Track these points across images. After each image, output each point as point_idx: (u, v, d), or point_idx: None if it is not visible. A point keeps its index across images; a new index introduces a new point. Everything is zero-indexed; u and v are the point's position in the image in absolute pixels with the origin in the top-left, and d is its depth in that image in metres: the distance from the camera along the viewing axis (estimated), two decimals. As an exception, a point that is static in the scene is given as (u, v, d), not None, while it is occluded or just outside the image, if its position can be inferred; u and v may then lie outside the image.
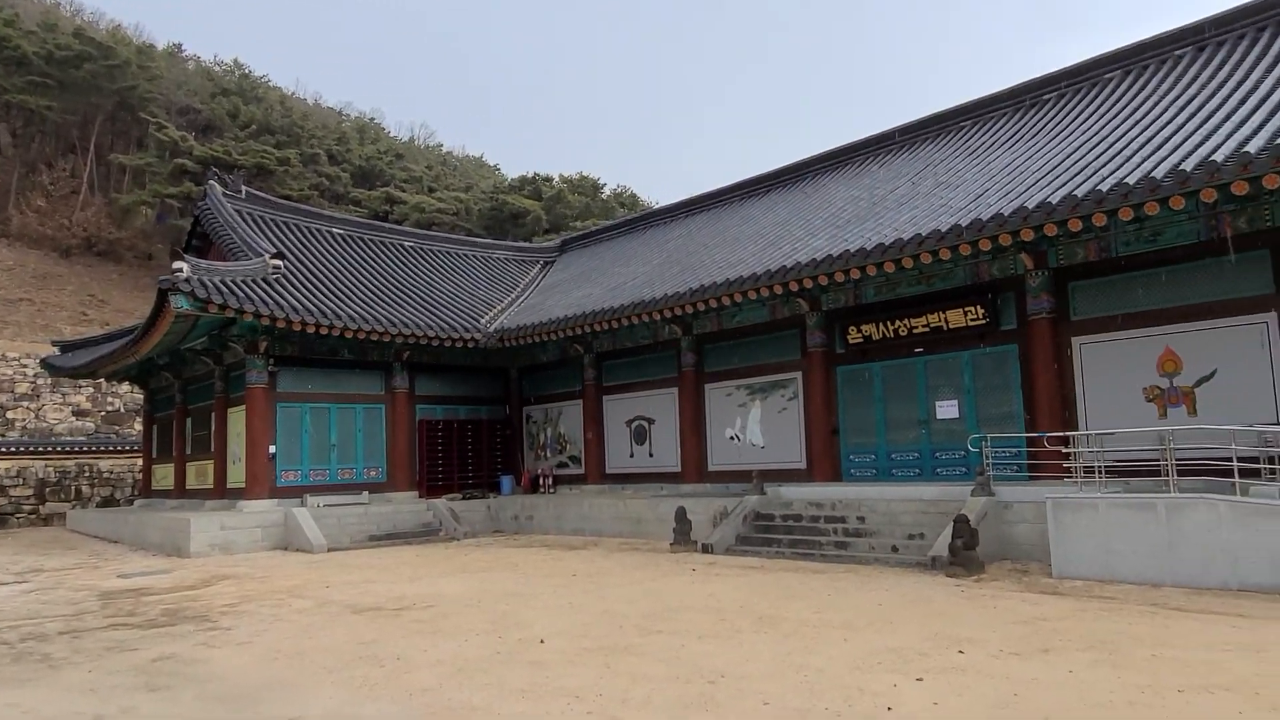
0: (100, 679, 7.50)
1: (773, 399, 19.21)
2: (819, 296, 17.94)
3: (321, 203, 53.42)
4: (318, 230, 27.08)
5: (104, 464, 34.28)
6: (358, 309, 21.44)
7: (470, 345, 22.95)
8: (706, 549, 15.76)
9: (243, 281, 19.87)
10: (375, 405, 23.03)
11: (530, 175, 63.77)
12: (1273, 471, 10.97)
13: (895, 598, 10.27)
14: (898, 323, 16.63)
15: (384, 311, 21.94)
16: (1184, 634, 7.80)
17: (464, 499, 23.18)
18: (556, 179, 63.40)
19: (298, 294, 21.03)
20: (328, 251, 25.85)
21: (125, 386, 35.84)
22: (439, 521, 21.56)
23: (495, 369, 25.73)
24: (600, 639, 8.40)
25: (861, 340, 17.27)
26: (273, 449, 20.94)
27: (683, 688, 6.53)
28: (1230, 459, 10.59)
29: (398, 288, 24.87)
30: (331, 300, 21.57)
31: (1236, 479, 10.43)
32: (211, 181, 25.53)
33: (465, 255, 30.55)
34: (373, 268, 25.99)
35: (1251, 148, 11.01)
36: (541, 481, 24.08)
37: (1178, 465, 11.09)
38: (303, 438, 21.62)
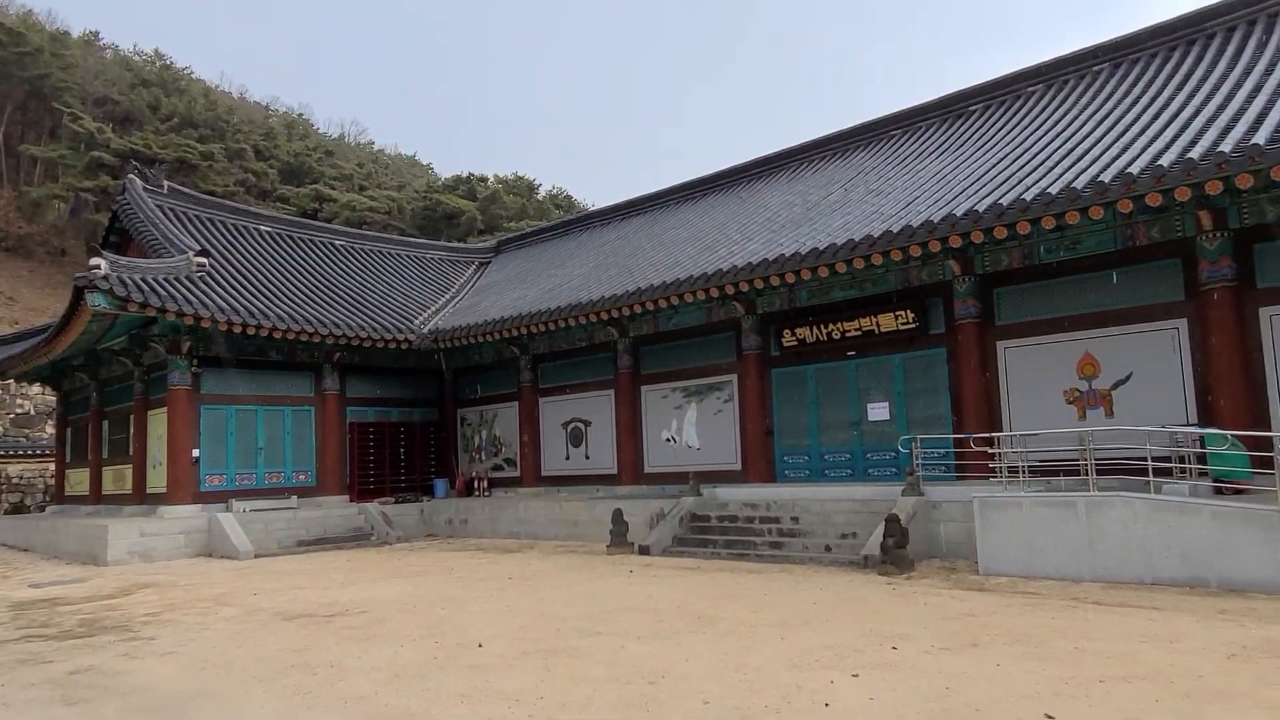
0: (13, 693, 7.17)
1: (709, 401, 19.37)
2: (754, 300, 18.16)
3: (248, 199, 51.98)
4: (244, 228, 26.34)
5: (12, 469, 32.75)
6: (286, 309, 20.92)
7: (403, 346, 22.60)
8: (643, 551, 15.81)
9: (165, 279, 19.21)
10: (304, 407, 22.50)
11: (465, 175, 63.11)
12: (1184, 470, 11.49)
13: (830, 596, 10.46)
14: (831, 326, 16.94)
15: (314, 312, 21.46)
16: (1103, 627, 8.12)
17: (397, 503, 22.81)
18: (492, 179, 62.86)
19: (223, 293, 20.43)
20: (255, 249, 25.16)
21: (36, 388, 34.32)
22: (371, 526, 21.17)
23: (429, 371, 25.38)
24: (539, 642, 8.36)
25: (796, 343, 17.54)
26: (196, 452, 20.28)
27: (623, 689, 6.54)
28: (1145, 459, 11.06)
29: (328, 287, 24.35)
30: (259, 300, 21.01)
31: (1151, 478, 10.90)
32: (132, 175, 24.60)
33: (398, 255, 30.07)
34: (302, 267, 25.40)
35: (1165, 161, 11.53)
36: (476, 484, 23.83)
37: (1096, 465, 11.52)
38: (228, 441, 21.00)
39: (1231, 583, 9.72)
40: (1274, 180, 10.78)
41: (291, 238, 27.29)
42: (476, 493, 23.65)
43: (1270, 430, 11.86)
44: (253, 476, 21.35)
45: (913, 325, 15.86)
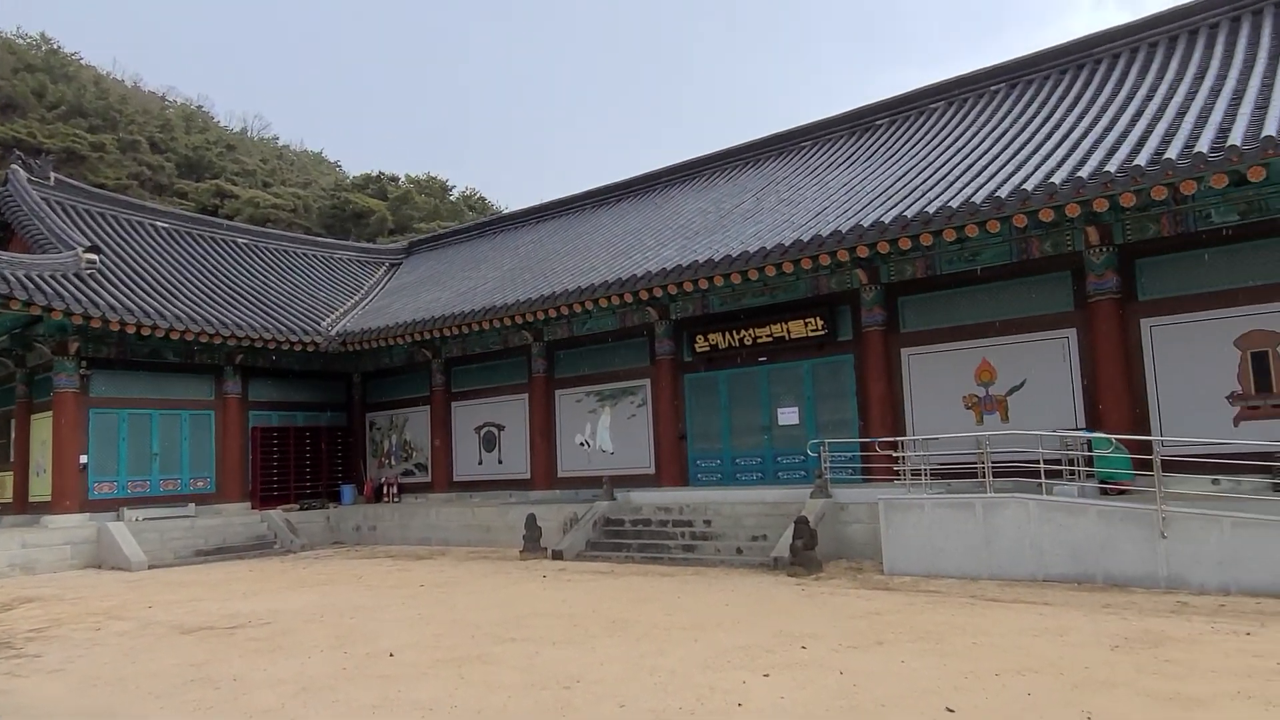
0: (-119, 719, 6.69)
1: (622, 405, 19.46)
2: (668, 305, 18.35)
3: (142, 194, 49.65)
4: (139, 223, 25.19)
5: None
6: (184, 309, 20.10)
7: (310, 349, 21.98)
8: (557, 555, 15.77)
9: (51, 276, 18.23)
10: (204, 411, 21.65)
11: (375, 174, 61.68)
12: (1073, 472, 12.13)
13: (741, 598, 10.64)
14: (743, 332, 17.25)
15: (214, 312, 20.68)
16: (999, 622, 8.50)
17: (301, 510, 22.15)
18: (403, 179, 61.63)
19: (116, 291, 19.50)
20: (150, 246, 24.09)
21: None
22: (274, 534, 20.50)
23: (336, 374, 24.75)
24: (452, 649, 8.26)
25: (708, 349, 17.79)
26: (84, 459, 19.28)
27: (538, 694, 6.53)
28: (1038, 461, 11.63)
29: (230, 287, 23.50)
30: (155, 298, 20.13)
31: (1043, 479, 11.47)
32: (15, 165, 23.24)
33: (304, 255, 29.22)
34: (202, 265, 24.44)
35: (1056, 179, 12.17)
36: (386, 490, 23.35)
37: (993, 467, 12.05)
38: (120, 446, 20.04)
39: (1115, 578, 10.30)
40: (1154, 199, 11.50)
41: (190, 234, 26.24)
42: (386, 499, 23.16)
43: (1150, 434, 12.63)
44: (147, 484, 20.42)
45: (822, 332, 16.28)
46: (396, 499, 23.09)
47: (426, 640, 8.78)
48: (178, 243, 25.28)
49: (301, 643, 8.95)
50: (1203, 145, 11.15)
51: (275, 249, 28.46)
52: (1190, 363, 12.81)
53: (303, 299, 24.93)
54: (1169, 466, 11.24)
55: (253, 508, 21.83)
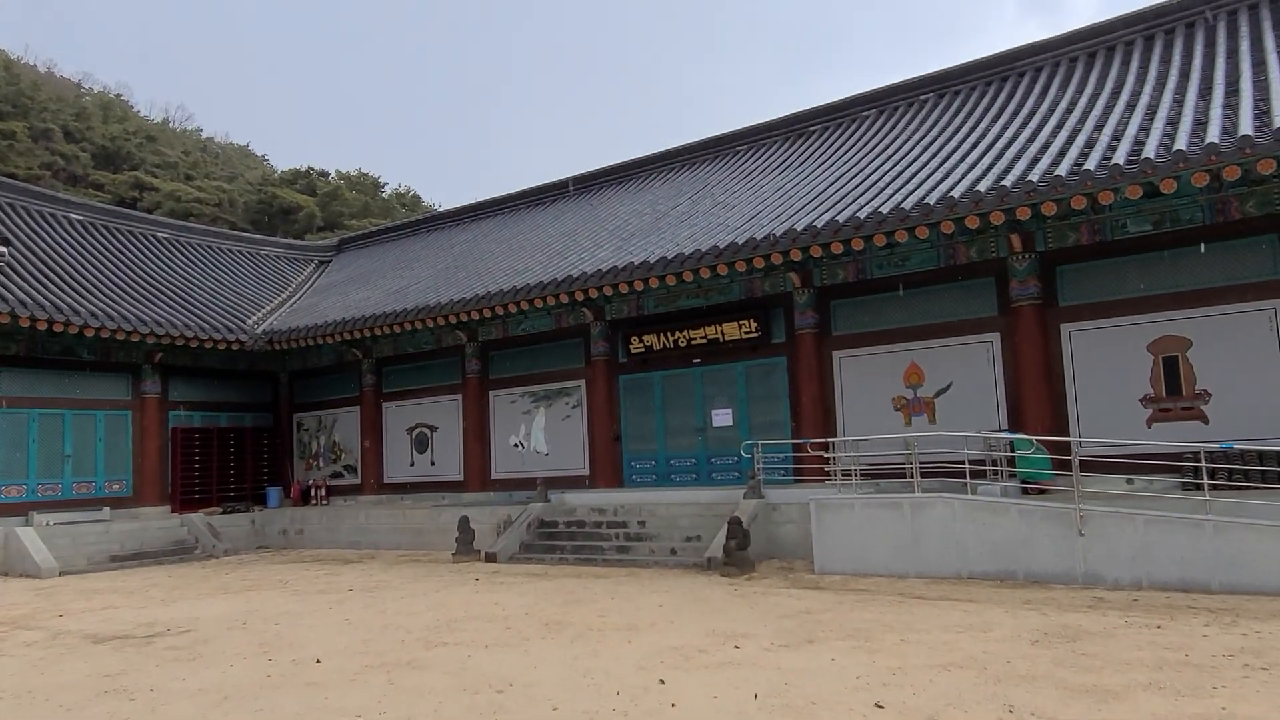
0: None
1: (557, 406, 19.37)
2: (603, 306, 18.34)
3: (55, 184, 47.60)
4: (51, 215, 24.12)
5: None
6: (100, 305, 19.33)
7: (234, 348, 21.31)
8: (490, 558, 15.61)
9: (-44, 269, 17.33)
10: (120, 412, 20.83)
11: (304, 169, 60.24)
12: (996, 473, 12.50)
13: (675, 598, 10.68)
14: (677, 334, 17.33)
15: (132, 308, 19.92)
16: (926, 619, 8.70)
17: (224, 513, 21.47)
18: (333, 174, 60.32)
19: (25, 285, 18.64)
20: (64, 239, 23.09)
21: None
22: (195, 538, 19.84)
23: (262, 373, 24.08)
24: (382, 655, 8.10)
25: (643, 350, 17.82)
26: (-10, 461, 18.38)
27: (470, 699, 6.44)
28: (963, 462, 11.95)
29: (149, 283, 22.67)
30: (68, 294, 19.30)
31: (968, 479, 11.79)
32: (-85, 152, 22.04)
33: (229, 250, 28.36)
34: (119, 260, 23.53)
35: (982, 187, 12.53)
36: (314, 493, 22.80)
37: (921, 468, 12.33)
38: (29, 448, 19.14)
39: (1036, 575, 10.64)
40: (1074, 209, 11.92)
41: (107, 228, 25.23)
42: (314, 501, 22.63)
43: (1069, 435, 13.08)
44: (58, 487, 19.55)
45: (755, 334, 16.45)
46: (325, 501, 22.57)
47: (355, 646, 8.59)
48: (93, 236, 24.29)
49: (223, 651, 8.67)
50: (1119, 158, 11.61)
51: (198, 244, 27.56)
52: (1107, 367, 13.32)
53: (227, 296, 24.20)
54: (1086, 467, 11.67)
55: (173, 511, 21.08)
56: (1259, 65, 13.67)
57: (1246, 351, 12.36)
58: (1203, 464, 10.03)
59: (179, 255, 26.02)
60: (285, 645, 8.80)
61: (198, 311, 21.76)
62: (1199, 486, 10.11)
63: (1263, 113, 11.49)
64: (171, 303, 21.76)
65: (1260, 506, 9.78)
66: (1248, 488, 10.90)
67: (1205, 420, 12.58)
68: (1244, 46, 14.59)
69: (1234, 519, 9.59)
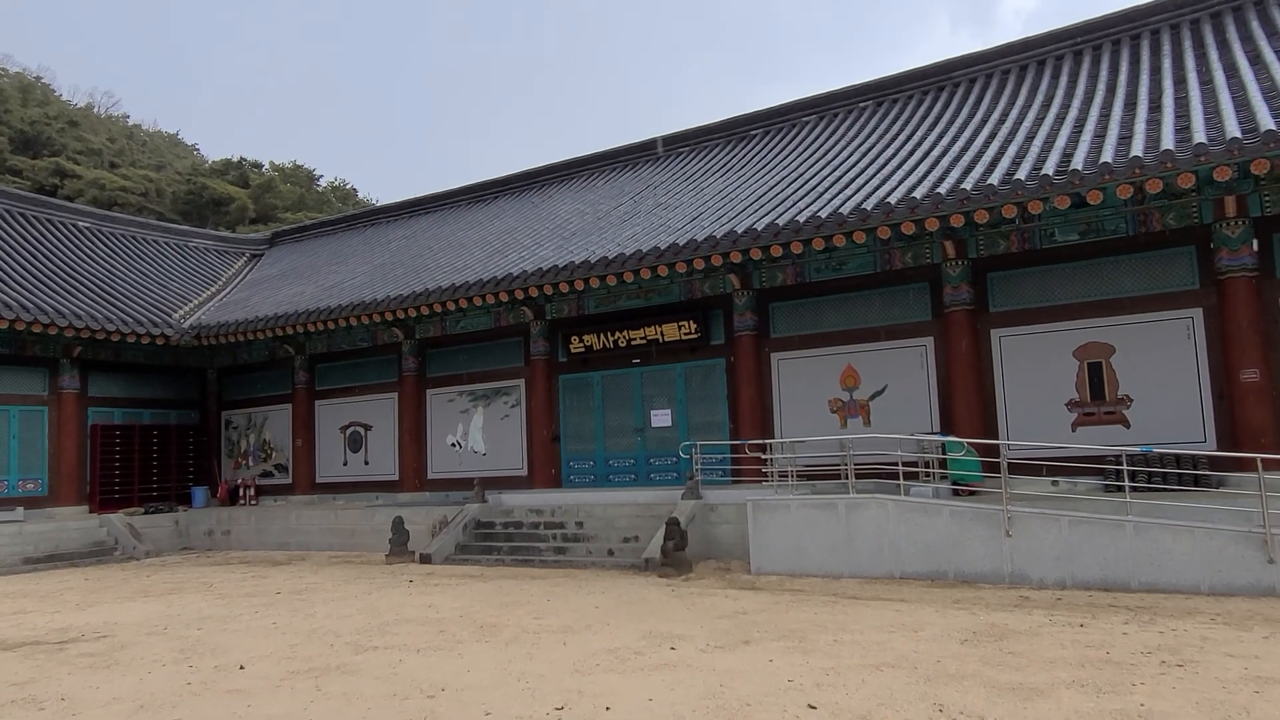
0: None
1: (496, 406, 19.17)
2: (544, 306, 18.21)
3: (-31, 169, 45.47)
4: (-36, 201, 23.02)
5: None
6: (15, 295, 18.49)
7: (159, 342, 20.61)
8: (425, 559, 15.36)
9: None
10: (35, 408, 19.97)
11: (236, 159, 58.62)
12: (929, 474, 12.73)
13: (611, 600, 10.63)
14: (617, 334, 17.29)
15: (49, 300, 19.11)
16: (859, 619, 8.81)
17: (147, 513, 20.72)
18: (267, 166, 58.81)
19: (-65, 275, 17.75)
20: (-23, 227, 22.06)
21: None
22: (115, 540, 19.11)
23: (189, 369, 23.33)
24: (309, 660, 7.88)
25: (583, 350, 17.74)
26: (-107, 459, 17.45)
27: (400, 705, 6.30)
28: (897, 464, 12.15)
29: (69, 274, 21.78)
30: (-19, 284, 18.43)
31: (901, 481, 11.99)
32: None
33: (156, 242, 27.40)
34: (37, 249, 22.56)
35: (918, 194, 12.76)
36: (242, 492, 22.17)
37: (855, 469, 12.49)
38: (-64, 445, 18.23)
39: (965, 574, 10.87)
40: (1005, 217, 12.22)
41: (25, 216, 24.18)
42: (242, 501, 22.00)
43: (998, 438, 13.41)
44: (-33, 486, 18.66)
45: (695, 335, 16.51)
46: (254, 501, 21.96)
47: (282, 651, 8.35)
48: (10, 224, 23.25)
49: (141, 657, 8.34)
50: (1049, 169, 11.94)
51: (123, 234, 26.58)
52: (1034, 371, 13.68)
53: (153, 289, 23.38)
54: (1015, 469, 11.97)
55: (91, 511, 20.28)
56: (1180, 83, 14.20)
57: (1166, 358, 12.83)
58: (1124, 467, 10.36)
59: (102, 246, 25.07)
60: (207, 651, 8.51)
61: (120, 304, 20.98)
62: (1120, 489, 10.44)
63: (1183, 128, 11.94)
64: (92, 295, 20.94)
65: (1177, 508, 10.15)
66: (1166, 490, 11.30)
67: (1127, 424, 13.02)
68: (1166, 64, 15.15)
69: (1153, 520, 9.93)
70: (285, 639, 8.97)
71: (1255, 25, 15.26)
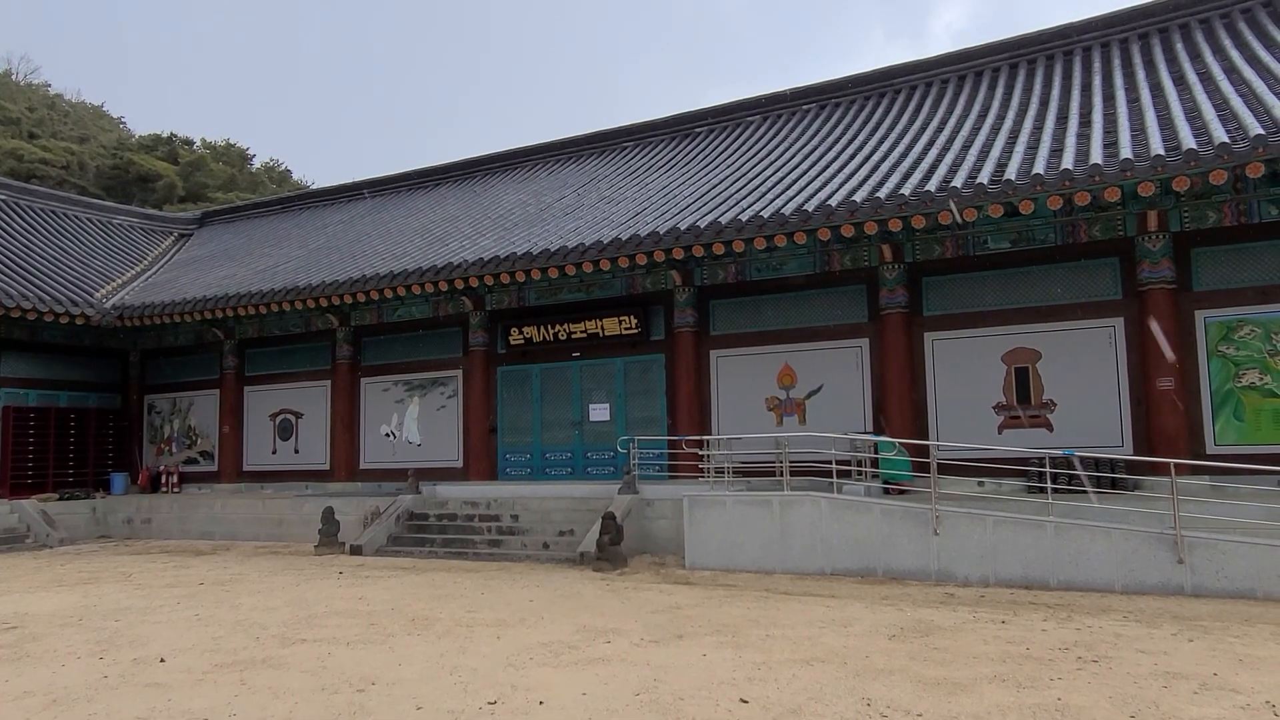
0: None
1: (432, 396, 18.93)
2: (484, 296, 18.03)
3: (-126, 134, 43.03)
4: None
5: None
6: (-76, 269, 17.59)
7: (78, 322, 19.82)
8: (356, 551, 15.10)
9: None
10: (-57, 388, 19.04)
11: (166, 135, 56.63)
12: (861, 473, 12.98)
13: (546, 594, 10.60)
14: (558, 327, 17.23)
15: (-38, 275, 18.22)
16: (791, 615, 8.95)
17: (62, 499, 19.93)
18: (198, 143, 56.97)
19: None
20: (-118, 195, 20.91)
21: None
22: (27, 527, 18.34)
23: (111, 351, 22.50)
24: (233, 653, 7.68)
25: (523, 342, 17.63)
26: None
27: (329, 699, 6.19)
28: (830, 462, 12.36)
29: (-17, 248, 20.80)
30: (-115, 256, 17.48)
31: (835, 479, 12.21)
32: None
33: (77, 217, 26.33)
34: (-52, 221, 21.48)
35: (858, 197, 12.98)
36: (165, 480, 21.49)
37: (790, 467, 12.66)
38: None
39: (894, 571, 11.12)
40: (941, 224, 12.51)
41: (-65, 185, 23.00)
42: (165, 489, 21.33)
43: (929, 439, 13.73)
44: None
45: (635, 331, 16.53)
46: (177, 489, 21.31)
47: (205, 643, 8.12)
48: (-82, 193, 22.09)
49: (54, 649, 8.03)
50: (984, 177, 12.27)
51: (41, 209, 25.47)
52: (964, 375, 14.06)
53: (73, 267, 22.47)
54: (943, 469, 12.26)
55: (2, 497, 19.41)
56: (1109, 99, 14.71)
57: (1089, 365, 13.31)
58: (1046, 469, 10.73)
59: (18, 220, 23.99)
60: (125, 643, 8.23)
61: (37, 281, 20.13)
62: (1043, 490, 10.80)
63: (1111, 144, 12.38)
64: (6, 271, 20.03)
65: (1094, 509, 10.55)
66: (1084, 492, 11.73)
67: (1050, 428, 13.46)
68: (1096, 81, 15.68)
69: (1072, 521, 10.29)
70: (209, 631, 8.73)
71: (1179, 48, 15.91)
